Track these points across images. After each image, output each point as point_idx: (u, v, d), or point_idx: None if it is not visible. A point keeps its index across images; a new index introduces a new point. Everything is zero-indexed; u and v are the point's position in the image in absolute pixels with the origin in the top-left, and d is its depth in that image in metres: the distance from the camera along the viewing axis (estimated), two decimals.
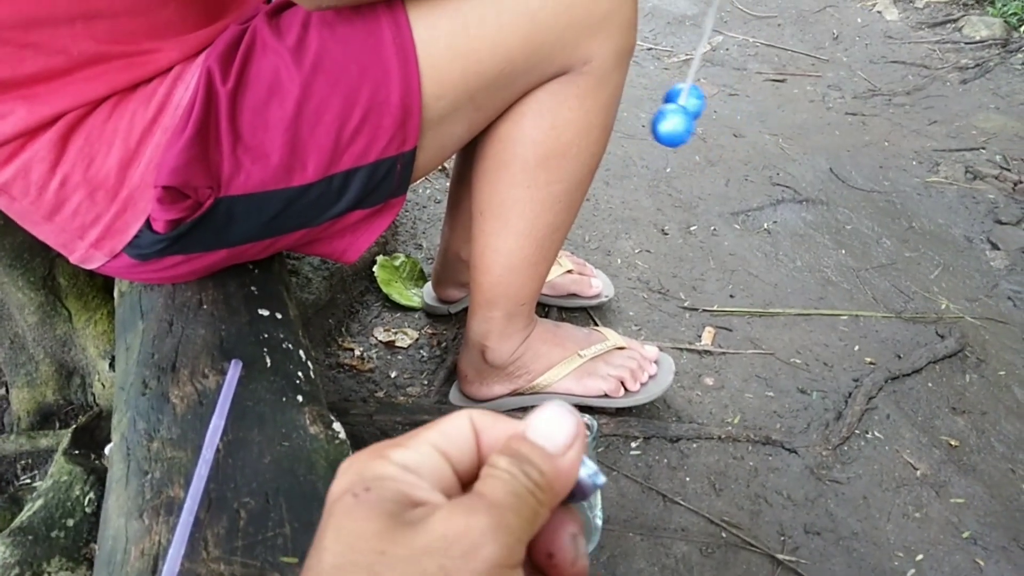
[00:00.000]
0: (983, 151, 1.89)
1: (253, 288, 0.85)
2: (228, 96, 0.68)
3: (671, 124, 0.84)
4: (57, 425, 1.01)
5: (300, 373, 0.77)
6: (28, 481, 0.95)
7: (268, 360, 0.76)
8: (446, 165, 1.52)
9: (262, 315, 0.81)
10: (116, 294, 0.92)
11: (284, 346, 0.79)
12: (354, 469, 0.28)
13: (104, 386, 0.99)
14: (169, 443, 0.67)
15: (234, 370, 0.71)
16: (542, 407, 0.29)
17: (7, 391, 1.03)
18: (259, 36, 0.70)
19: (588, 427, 0.71)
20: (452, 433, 0.29)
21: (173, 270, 0.78)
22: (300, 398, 0.73)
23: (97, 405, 1.00)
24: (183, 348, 0.75)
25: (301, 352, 0.81)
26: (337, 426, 0.73)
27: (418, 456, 0.28)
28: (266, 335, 0.79)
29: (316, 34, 0.71)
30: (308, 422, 0.71)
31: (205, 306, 0.80)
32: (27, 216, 0.72)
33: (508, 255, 0.92)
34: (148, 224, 0.71)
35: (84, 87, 0.65)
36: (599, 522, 0.77)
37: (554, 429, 0.28)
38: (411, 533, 0.25)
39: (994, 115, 2.08)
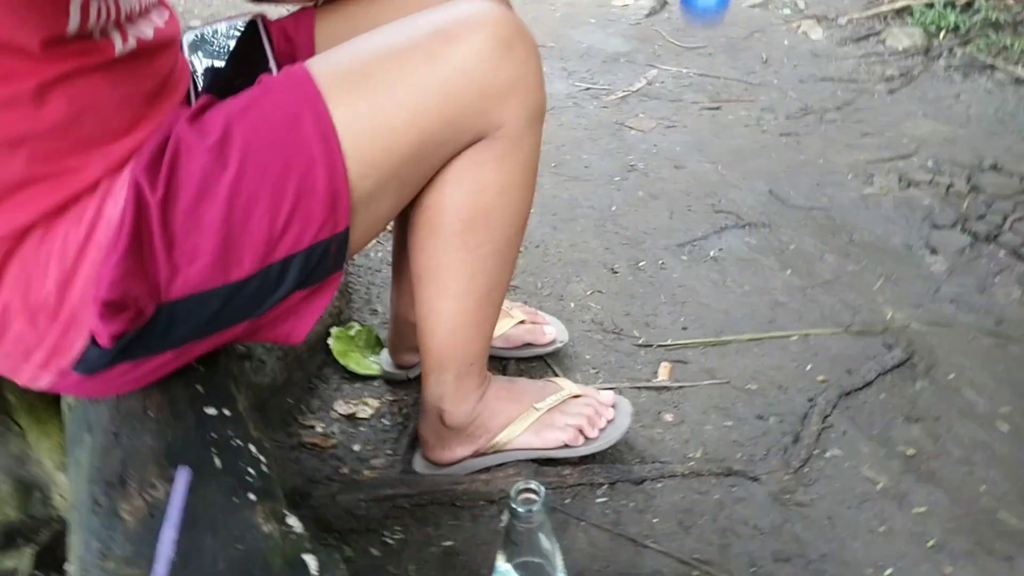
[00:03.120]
0: (915, 158, 1.95)
1: (199, 387, 0.85)
2: (158, 205, 0.69)
3: None
4: (18, 543, 0.99)
5: (251, 469, 0.77)
6: None
7: (217, 461, 0.76)
8: (389, 228, 1.54)
9: (209, 415, 0.82)
10: (64, 407, 0.92)
11: (233, 443, 0.79)
12: None
13: (63, 498, 0.98)
14: (123, 561, 0.66)
15: (182, 478, 0.71)
16: None
17: None
18: (183, 141, 0.72)
19: (536, 492, 0.72)
20: None
21: (121, 378, 0.78)
22: (252, 496, 0.73)
23: (59, 518, 0.99)
24: (130, 460, 0.74)
25: (251, 447, 0.81)
26: (292, 520, 0.73)
27: None
28: (214, 435, 0.79)
29: (239, 131, 0.73)
30: (261, 521, 0.71)
31: (150, 412, 0.80)
32: None
33: (449, 317, 0.94)
34: (92, 340, 0.71)
35: (13, 215, 0.66)
36: None
37: None
38: None
39: (923, 121, 2.16)
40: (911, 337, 1.35)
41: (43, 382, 0.76)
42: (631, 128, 2.17)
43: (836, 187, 1.86)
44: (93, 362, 0.73)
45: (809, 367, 1.29)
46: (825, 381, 1.26)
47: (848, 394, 1.22)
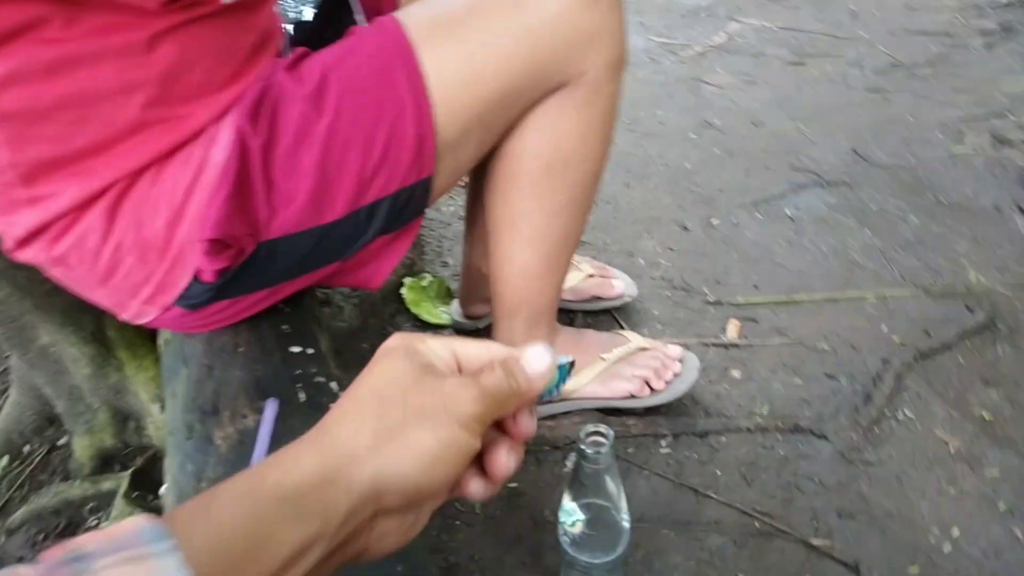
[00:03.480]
0: (1010, 116, 1.85)
1: (285, 327, 0.90)
2: (260, 150, 0.73)
3: None
4: (117, 468, 1.08)
5: (332, 404, 0.82)
6: (95, 523, 1.02)
7: (302, 395, 0.80)
8: (464, 181, 1.57)
9: (294, 352, 0.87)
10: (160, 342, 0.99)
11: (316, 380, 0.84)
12: (401, 340, 0.44)
13: (156, 428, 1.06)
14: (216, 483, 0.72)
15: (270, 408, 0.76)
16: (534, 347, 0.44)
17: (69, 440, 1.11)
18: (282, 89, 0.76)
19: (604, 436, 0.75)
20: (470, 348, 0.45)
21: (219, 315, 0.84)
22: None
23: (151, 446, 1.08)
24: (223, 391, 0.80)
25: (333, 384, 0.85)
26: None
27: (442, 349, 0.44)
28: (299, 371, 0.84)
29: (334, 80, 0.76)
30: None
31: (241, 348, 0.86)
32: (82, 282, 0.78)
33: (523, 264, 0.97)
34: (196, 277, 0.77)
35: (128, 158, 0.70)
36: (626, 524, 0.80)
37: (535, 363, 0.43)
38: (430, 381, 0.41)
39: (1021, 78, 2.04)
40: (994, 300, 1.30)
41: (147, 317, 0.81)
42: (709, 84, 2.13)
43: (924, 145, 1.79)
44: (196, 298, 0.78)
45: (884, 328, 1.27)
46: (901, 343, 1.23)
47: (925, 356, 1.19)
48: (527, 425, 0.45)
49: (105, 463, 1.11)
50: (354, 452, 0.38)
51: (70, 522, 1.06)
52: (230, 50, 0.73)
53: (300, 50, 0.79)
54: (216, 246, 0.73)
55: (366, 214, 0.79)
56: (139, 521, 0.32)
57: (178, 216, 0.72)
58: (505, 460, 0.44)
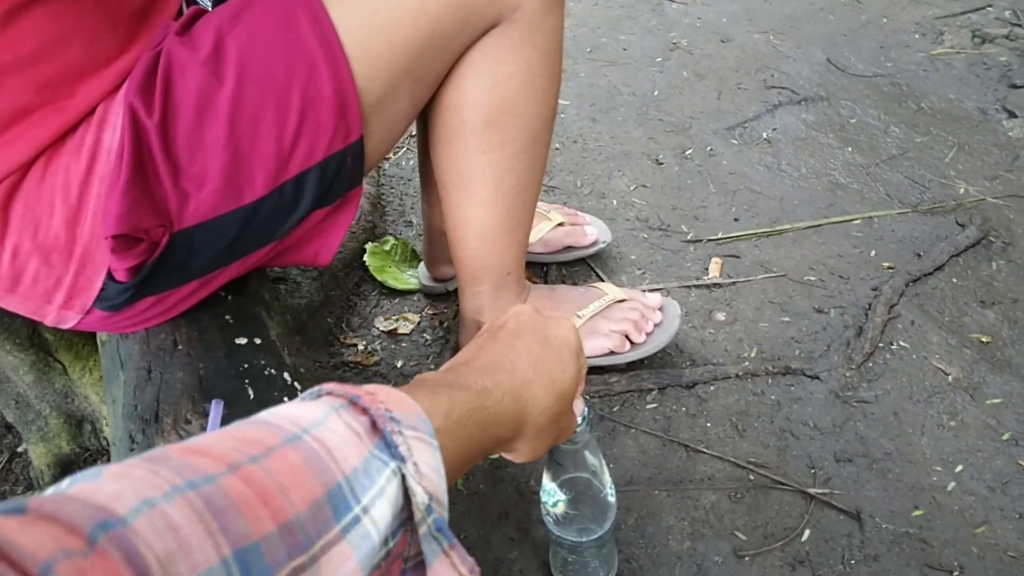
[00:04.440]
0: (990, 9, 1.76)
1: (228, 317, 0.83)
2: (157, 129, 0.65)
3: None
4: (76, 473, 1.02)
5: (286, 398, 0.75)
6: None
7: (251, 391, 0.74)
8: (413, 133, 1.48)
9: (240, 344, 0.79)
10: (99, 343, 0.91)
11: (266, 373, 0.77)
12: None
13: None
14: None
15: (215, 411, 0.70)
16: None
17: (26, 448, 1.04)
18: (174, 57, 0.66)
19: (579, 414, 0.69)
20: None
21: (148, 313, 0.76)
22: None
23: (109, 450, 1.01)
24: (163, 395, 0.73)
25: (285, 375, 0.79)
26: None
27: None
28: (246, 365, 0.77)
29: (232, 41, 0.67)
30: None
31: (180, 346, 0.78)
32: None
33: (480, 225, 0.89)
34: (110, 275, 0.69)
35: (11, 150, 0.63)
36: (612, 500, 0.75)
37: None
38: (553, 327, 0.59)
39: None
40: (986, 213, 1.24)
41: (70, 322, 0.74)
42: (672, 1, 2.01)
43: (901, 49, 1.70)
44: (115, 298, 0.71)
45: (873, 253, 1.21)
46: (891, 267, 1.17)
47: (917, 280, 1.14)
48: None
49: (65, 469, 1.05)
50: (527, 379, 0.53)
51: None
52: (112, 16, 0.64)
53: (193, 9, 0.69)
54: (123, 242, 0.65)
55: (292, 189, 0.71)
56: (416, 408, 0.40)
57: (77, 212, 0.64)
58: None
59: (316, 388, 0.40)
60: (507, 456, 0.56)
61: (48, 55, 0.62)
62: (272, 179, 0.70)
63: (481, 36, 0.77)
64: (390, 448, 0.37)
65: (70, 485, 0.29)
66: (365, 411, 0.38)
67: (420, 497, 0.36)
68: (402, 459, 0.36)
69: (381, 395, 0.39)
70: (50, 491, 0.29)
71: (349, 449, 0.36)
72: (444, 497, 0.38)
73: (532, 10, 0.76)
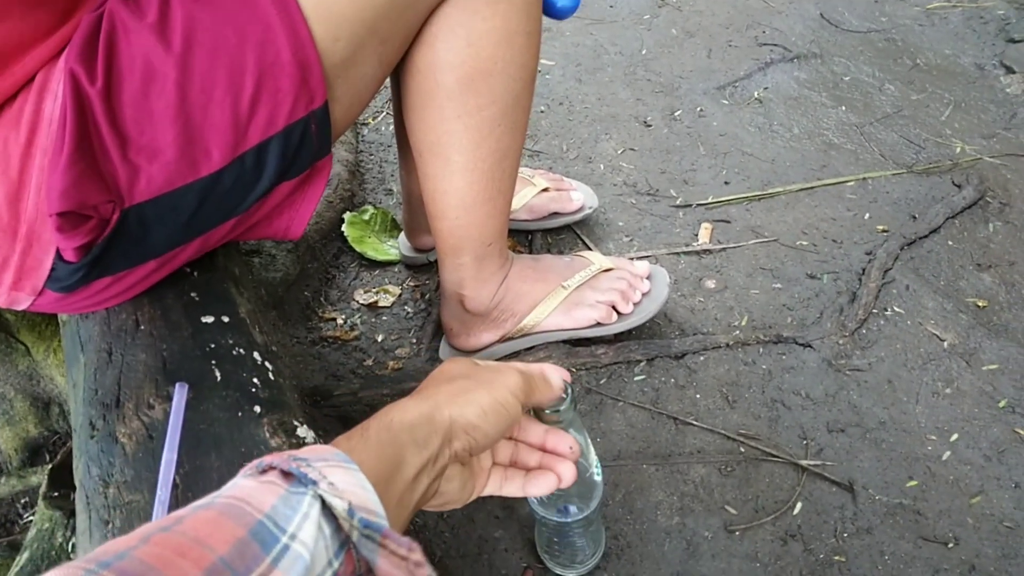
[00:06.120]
0: None
1: (193, 294, 0.79)
2: (100, 96, 0.60)
3: None
4: (47, 457, 0.99)
5: (256, 379, 0.72)
6: (30, 519, 0.93)
7: (217, 373, 0.70)
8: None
9: (206, 323, 0.76)
10: (60, 324, 0.87)
11: (234, 352, 0.74)
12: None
13: None
14: (124, 487, 0.63)
15: (179, 395, 0.66)
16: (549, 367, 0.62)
17: None
18: (117, 20, 0.61)
19: (564, 392, 0.66)
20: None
21: (105, 293, 0.72)
22: (257, 408, 0.68)
23: None
24: (125, 379, 0.70)
25: (255, 354, 0.75)
26: (303, 431, 0.68)
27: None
28: (212, 345, 0.73)
29: (179, 4, 0.62)
30: (268, 435, 0.66)
31: (143, 327, 0.74)
32: None
33: (459, 195, 0.85)
34: (59, 255, 0.65)
35: None
36: (598, 478, 0.72)
37: (551, 372, 0.62)
38: (484, 368, 0.57)
39: None
40: (983, 172, 1.21)
41: (22, 303, 0.70)
42: None
43: (896, 3, 1.65)
44: (66, 279, 0.66)
45: (867, 216, 1.17)
46: (886, 231, 1.14)
47: (912, 243, 1.10)
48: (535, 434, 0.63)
49: (34, 453, 1.02)
50: (438, 402, 0.51)
51: (4, 520, 0.98)
52: None
53: None
54: (70, 220, 0.60)
55: (253, 160, 0.67)
56: (325, 447, 0.44)
57: (18, 188, 0.60)
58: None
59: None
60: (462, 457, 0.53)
61: None
62: (230, 150, 0.66)
63: None
64: (303, 481, 0.39)
65: None
66: (272, 467, 0.40)
67: (339, 505, 0.38)
68: (314, 483, 0.38)
69: (293, 452, 0.42)
70: None
71: (264, 494, 0.37)
72: (376, 506, 0.40)
73: None
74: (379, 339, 1.09)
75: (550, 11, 0.83)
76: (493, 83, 0.77)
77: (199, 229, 0.71)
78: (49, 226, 0.62)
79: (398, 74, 0.81)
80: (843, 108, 1.39)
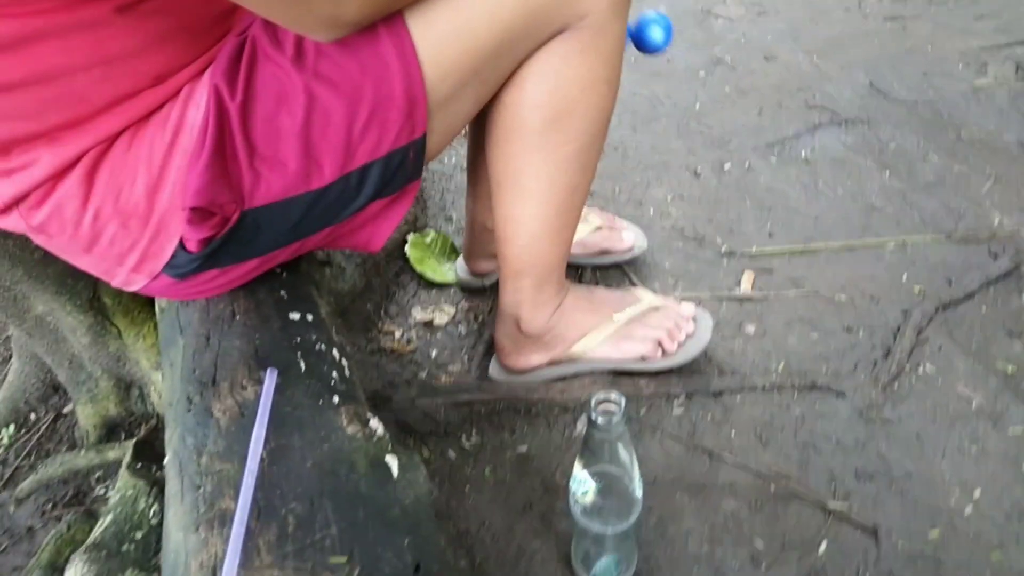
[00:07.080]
0: None
1: (283, 293, 0.87)
2: (238, 111, 0.69)
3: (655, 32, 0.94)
4: (123, 436, 1.06)
5: (334, 373, 0.79)
6: (102, 492, 1.01)
7: (302, 364, 0.78)
8: (464, 131, 1.51)
9: (293, 319, 0.83)
10: (157, 310, 0.95)
11: (317, 348, 0.81)
12: None
13: (160, 396, 1.04)
14: (217, 456, 0.69)
15: (270, 379, 0.73)
16: None
17: (74, 408, 1.09)
18: (259, 46, 0.70)
19: (615, 403, 0.72)
20: None
21: (211, 284, 0.81)
22: (336, 399, 0.75)
23: (155, 415, 1.05)
24: (221, 361, 0.77)
25: (335, 351, 0.83)
26: (374, 423, 0.75)
27: None
28: (299, 339, 0.81)
29: (314, 45, 0.71)
30: (345, 422, 0.73)
31: (238, 317, 0.82)
32: (67, 250, 0.75)
33: (529, 223, 0.92)
34: (181, 244, 0.73)
35: (103, 126, 0.67)
36: (639, 493, 0.78)
37: None
38: None
39: None
40: (1019, 244, 1.26)
41: (136, 284, 0.78)
42: (718, 16, 2.03)
43: (944, 78, 1.71)
44: (183, 267, 0.75)
45: (905, 277, 1.22)
46: (922, 292, 1.19)
47: (947, 306, 1.15)
48: None
49: (111, 431, 1.10)
50: None
51: (77, 491, 1.05)
52: (213, 13, 0.68)
53: None
54: (199, 214, 0.69)
55: (357, 179, 0.75)
56: None
57: (158, 182, 0.68)
58: None
59: None
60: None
61: (155, 48, 0.66)
62: (339, 168, 0.74)
63: (547, 41, 0.79)
64: None
65: None
66: None
67: None
68: None
69: None
70: None
71: None
72: None
73: (598, 18, 0.78)
74: (432, 354, 1.16)
75: (644, 47, 0.91)
76: (574, 123, 0.85)
77: (300, 235, 0.79)
78: (179, 218, 0.70)
79: (483, 109, 0.89)
80: (887, 173, 1.45)
